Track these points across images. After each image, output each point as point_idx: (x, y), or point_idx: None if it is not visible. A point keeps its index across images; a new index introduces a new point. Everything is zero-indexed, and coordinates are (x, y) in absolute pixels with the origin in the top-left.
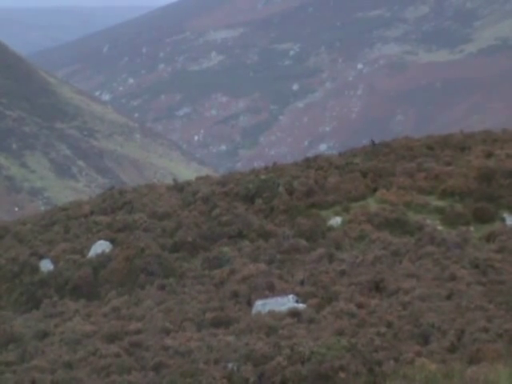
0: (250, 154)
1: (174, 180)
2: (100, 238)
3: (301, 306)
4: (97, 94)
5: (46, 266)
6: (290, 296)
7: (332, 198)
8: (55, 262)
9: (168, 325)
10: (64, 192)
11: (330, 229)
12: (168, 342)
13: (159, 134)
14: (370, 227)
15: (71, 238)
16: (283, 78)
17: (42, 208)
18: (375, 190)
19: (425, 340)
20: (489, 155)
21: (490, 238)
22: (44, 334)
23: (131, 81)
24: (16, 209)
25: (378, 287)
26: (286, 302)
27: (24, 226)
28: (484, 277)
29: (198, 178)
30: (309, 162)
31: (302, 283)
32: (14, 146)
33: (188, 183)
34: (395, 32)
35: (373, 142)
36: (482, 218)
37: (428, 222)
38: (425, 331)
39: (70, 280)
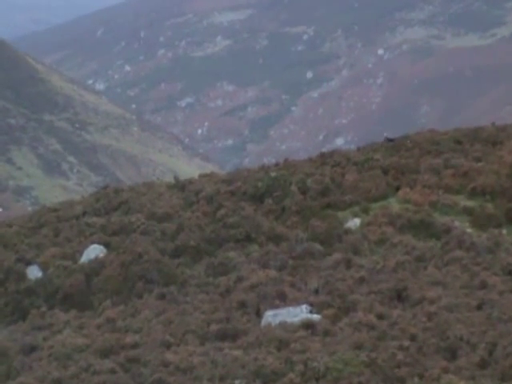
0: (259, 149)
1: (175, 178)
2: (93, 242)
3: (315, 316)
4: (90, 82)
5: (34, 272)
6: (304, 306)
7: (350, 198)
8: (44, 268)
9: (168, 338)
10: (53, 191)
11: (348, 232)
12: (168, 356)
13: (159, 126)
14: (391, 230)
15: (61, 241)
16: (296, 64)
17: (30, 208)
18: (397, 188)
19: (452, 355)
20: None
21: None
22: (31, 348)
23: (128, 68)
24: (0, 209)
25: (400, 296)
26: (298, 313)
27: (9, 229)
28: None
29: (202, 176)
30: (324, 158)
31: (316, 292)
32: None
33: (190, 181)
34: (420, 14)
35: (388, 139)
36: None
37: (456, 224)
38: (452, 345)
39: (60, 288)
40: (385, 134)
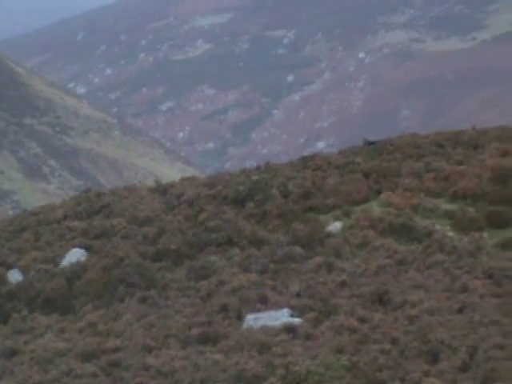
0: (241, 153)
1: (157, 181)
2: (74, 246)
3: (296, 320)
4: (70, 86)
5: (15, 276)
6: (285, 310)
7: (331, 201)
8: (25, 272)
9: (149, 342)
10: (34, 195)
11: (329, 235)
12: (150, 360)
13: (140, 130)
14: (373, 233)
15: (42, 245)
16: (277, 68)
17: (10, 212)
18: (379, 192)
19: (434, 358)
20: (504, 154)
21: (505, 245)
22: (12, 352)
23: (109, 72)
24: None
25: (381, 300)
26: (280, 317)
27: None
28: (499, 288)
29: (183, 179)
30: (305, 162)
31: (297, 295)
32: None
33: (172, 185)
34: (401, 17)
35: (368, 141)
36: (496, 222)
37: (437, 227)
38: (434, 348)
39: (41, 292)
40: (365, 137)
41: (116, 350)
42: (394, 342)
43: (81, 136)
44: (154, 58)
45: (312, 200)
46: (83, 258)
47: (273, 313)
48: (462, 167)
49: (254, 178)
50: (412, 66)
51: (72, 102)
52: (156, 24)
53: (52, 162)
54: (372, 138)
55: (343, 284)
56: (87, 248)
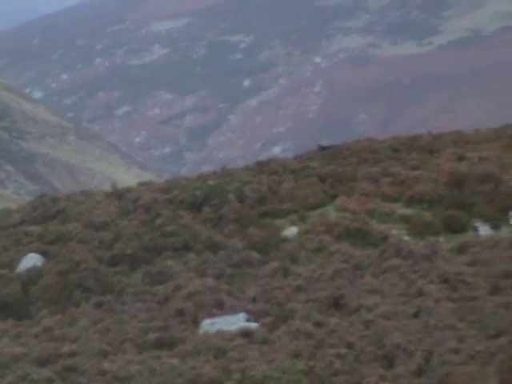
0: (197, 158)
1: (113, 186)
2: (30, 251)
3: (253, 325)
4: (27, 90)
5: None
6: (241, 314)
7: (287, 206)
8: None
9: (105, 346)
10: None
11: (285, 240)
12: (106, 365)
13: (96, 135)
14: (328, 238)
15: None
16: (233, 73)
17: None
18: (335, 196)
19: (389, 362)
20: (460, 158)
21: (461, 249)
22: None
23: (65, 76)
24: None
25: (337, 304)
26: (236, 321)
27: None
28: (455, 292)
29: (140, 184)
30: (261, 167)
31: (253, 300)
32: None
33: (128, 190)
34: (357, 22)
35: (321, 147)
36: (452, 227)
37: (393, 232)
38: (389, 353)
39: None
40: (318, 143)
41: (72, 354)
42: (349, 346)
43: (37, 141)
44: (111, 62)
45: (268, 205)
46: (39, 263)
47: (229, 317)
48: (418, 172)
49: (211, 182)
50: (368, 71)
51: (28, 106)
52: (113, 28)
53: (8, 167)
54: (328, 143)
55: (299, 288)
56: (43, 253)
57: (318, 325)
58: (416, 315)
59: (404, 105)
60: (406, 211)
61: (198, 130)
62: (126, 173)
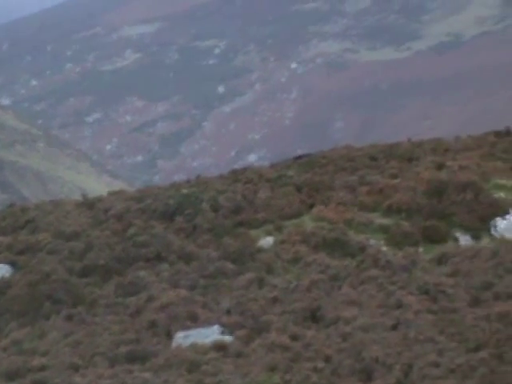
0: (170, 166)
1: (84, 195)
2: None
3: (227, 337)
4: None
5: None
6: (215, 327)
7: (262, 216)
8: None
9: (76, 360)
10: None
11: (261, 250)
12: (76, 379)
13: (66, 142)
14: (305, 248)
15: None
16: (207, 79)
17: None
18: (311, 206)
19: (368, 376)
20: (440, 167)
21: (441, 259)
22: None
23: (34, 82)
24: None
25: (314, 316)
26: (210, 334)
27: None
28: (434, 304)
29: (111, 193)
30: (236, 175)
31: (228, 312)
32: None
33: (99, 199)
34: (334, 27)
35: (296, 157)
36: (432, 237)
37: (371, 242)
38: (367, 366)
39: None
40: (298, 151)
41: (42, 368)
42: (327, 359)
43: (6, 148)
44: (82, 68)
45: (243, 214)
46: (8, 274)
47: (203, 330)
48: (396, 180)
49: (184, 191)
50: (345, 77)
51: None
52: (83, 34)
53: None
54: (305, 151)
55: (275, 300)
56: (12, 263)
57: (295, 337)
58: (395, 327)
59: (382, 111)
60: (385, 221)
61: (171, 138)
62: (96, 181)
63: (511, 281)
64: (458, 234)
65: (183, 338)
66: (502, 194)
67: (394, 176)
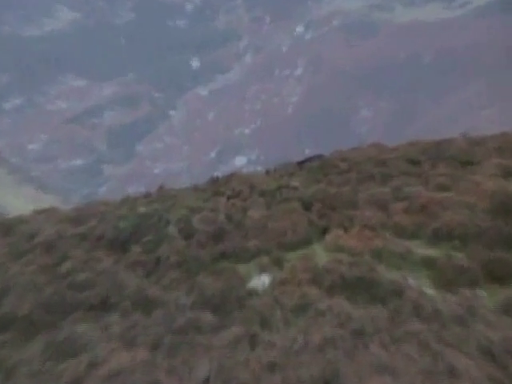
0: (122, 173)
1: None
2: None
3: None
4: None
5: None
6: None
7: (255, 244)
8: None
9: None
10: None
11: (252, 294)
12: None
13: None
14: (316, 291)
15: None
16: (175, 48)
17: None
18: (325, 230)
19: None
20: (509, 174)
21: (509, 307)
22: None
23: None
24: None
25: None
26: None
27: None
28: (500, 370)
29: (37, 212)
30: (217, 186)
31: (206, 381)
32: None
33: (21, 220)
34: None
35: (298, 162)
36: (497, 275)
37: (411, 281)
38: None
39: None
40: (306, 151)
41: None
42: None
43: None
44: None
45: (226, 242)
46: None
47: None
48: (446, 194)
49: (142, 210)
50: (372, 46)
51: None
52: None
53: None
54: (314, 151)
55: (273, 365)
56: None
57: None
58: None
59: (424, 95)
60: (430, 251)
61: (123, 133)
62: (14, 195)
63: None
64: None
65: None
66: None
67: (444, 187)
